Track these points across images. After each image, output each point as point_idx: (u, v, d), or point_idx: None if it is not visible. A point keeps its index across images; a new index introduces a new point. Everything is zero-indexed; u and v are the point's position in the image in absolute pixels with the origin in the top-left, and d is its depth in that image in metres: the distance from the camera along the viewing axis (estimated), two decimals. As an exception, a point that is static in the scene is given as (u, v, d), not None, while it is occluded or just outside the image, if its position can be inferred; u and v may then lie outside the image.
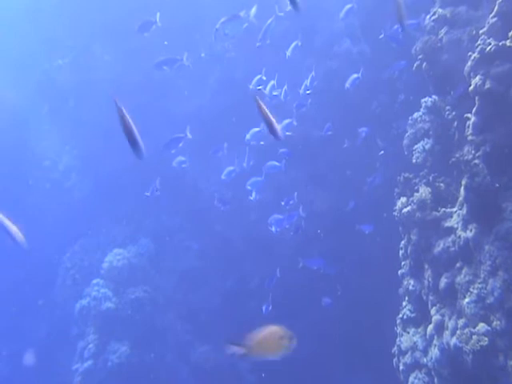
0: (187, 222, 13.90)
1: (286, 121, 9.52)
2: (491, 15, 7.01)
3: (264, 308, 9.47)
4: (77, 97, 14.23)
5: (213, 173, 13.26)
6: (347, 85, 9.03)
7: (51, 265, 14.66)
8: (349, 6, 8.82)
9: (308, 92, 9.26)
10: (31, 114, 14.44)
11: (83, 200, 14.49)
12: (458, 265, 7.65)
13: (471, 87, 7.04)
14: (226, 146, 10.11)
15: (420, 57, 8.17)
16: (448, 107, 8.73)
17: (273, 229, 8.97)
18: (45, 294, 14.49)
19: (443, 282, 7.81)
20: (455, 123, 8.52)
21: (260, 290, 12.81)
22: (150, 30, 8.60)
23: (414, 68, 8.42)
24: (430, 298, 8.26)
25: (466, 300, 7.40)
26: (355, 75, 8.96)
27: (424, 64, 8.15)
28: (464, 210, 7.50)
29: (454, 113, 8.60)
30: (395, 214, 8.77)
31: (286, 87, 9.45)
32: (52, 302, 14.55)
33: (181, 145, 8.49)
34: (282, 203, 9.47)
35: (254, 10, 7.42)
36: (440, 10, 7.88)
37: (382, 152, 10.46)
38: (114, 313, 13.31)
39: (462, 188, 7.36)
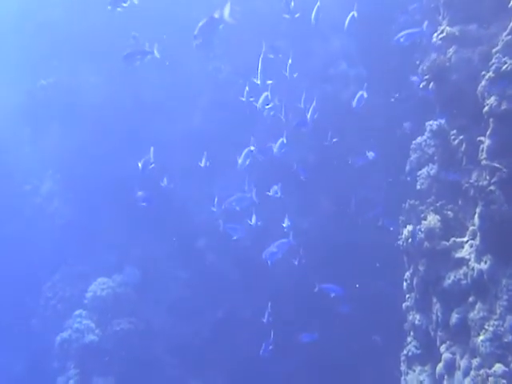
0: (176, 249, 13.24)
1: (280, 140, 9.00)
2: (505, 33, 6.62)
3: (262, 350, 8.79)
4: (61, 119, 13.63)
5: (203, 197, 12.70)
6: (354, 104, 8.54)
7: (31, 294, 13.87)
8: (353, 13, 8.35)
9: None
10: (11, 136, 13.78)
11: (66, 226, 13.82)
12: (470, 299, 7.12)
13: (485, 108, 6.60)
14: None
15: (427, 76, 7.74)
16: (454, 131, 8.30)
17: (269, 263, 8.37)
18: (24, 325, 13.68)
19: (454, 317, 7.26)
20: (463, 147, 8.06)
21: (253, 321, 12.26)
22: (120, 5, 8.01)
23: (420, 87, 7.96)
24: (439, 334, 7.70)
25: (481, 338, 6.84)
26: (361, 92, 8.46)
27: (431, 84, 7.71)
28: (477, 240, 6.99)
29: (461, 136, 8.16)
30: (400, 243, 8.25)
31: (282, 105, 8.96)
32: (31, 334, 13.71)
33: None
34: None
35: (227, 9, 6.94)
36: (448, 28, 7.50)
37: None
38: (97, 346, 12.63)
39: (476, 216, 6.85)
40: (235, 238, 8.10)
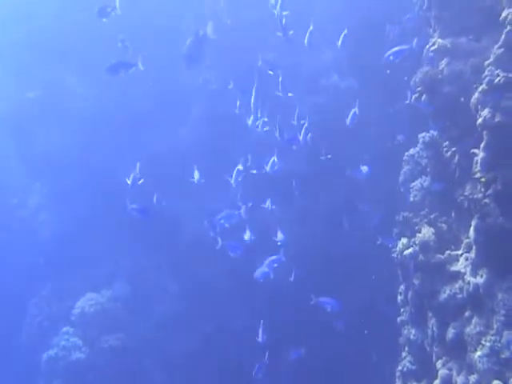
0: (165, 261, 13.04)
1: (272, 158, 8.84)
2: (497, 46, 6.58)
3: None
4: (48, 131, 13.40)
5: (193, 208, 12.55)
6: (347, 122, 8.42)
7: (16, 311, 13.47)
8: (345, 32, 8.28)
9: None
10: (-3, 149, 13.57)
11: (53, 240, 13.52)
12: (467, 314, 7.00)
13: (479, 120, 6.54)
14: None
15: (419, 89, 7.67)
16: (447, 142, 8.24)
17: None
18: (9, 343, 13.29)
19: (451, 332, 7.14)
20: (456, 159, 8.00)
21: (244, 334, 12.06)
22: (108, 16, 7.88)
23: (412, 100, 7.90)
24: (435, 349, 7.58)
25: (478, 353, 6.71)
26: (353, 110, 8.36)
27: (423, 96, 7.65)
28: (473, 254, 6.90)
29: (453, 148, 8.10)
30: (395, 255, 8.13)
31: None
32: (16, 351, 13.34)
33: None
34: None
35: (210, 26, 6.93)
36: (440, 41, 7.45)
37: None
38: (84, 364, 12.35)
39: (472, 229, 6.76)
40: (233, 255, 7.91)
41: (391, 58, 7.65)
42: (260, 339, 8.24)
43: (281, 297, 11.66)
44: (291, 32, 8.07)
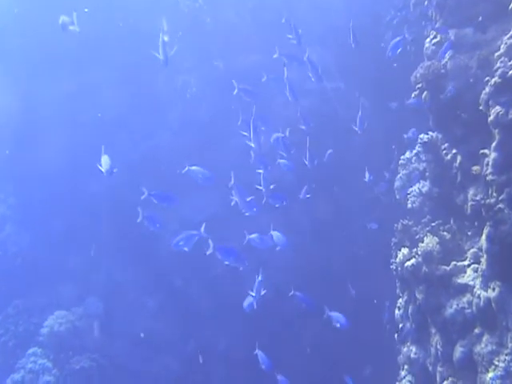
0: (142, 275, 12.17)
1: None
2: (508, 35, 6.01)
3: None
4: (14, 138, 12.51)
5: (170, 219, 11.77)
6: (356, 129, 7.79)
7: (-21, 330, 12.44)
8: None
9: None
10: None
11: (19, 254, 12.61)
12: (476, 331, 6.37)
13: (490, 118, 5.95)
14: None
15: (420, 85, 7.08)
16: (447, 144, 7.66)
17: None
18: (-31, 366, 12.25)
19: (458, 350, 6.49)
20: (457, 162, 7.42)
21: (227, 354, 11.29)
22: (67, 30, 7.19)
23: (411, 98, 7.30)
24: (439, 369, 6.93)
25: (490, 375, 6.09)
26: (359, 114, 7.74)
27: (425, 93, 7.05)
28: (483, 265, 6.28)
29: (454, 150, 7.52)
30: (394, 267, 7.49)
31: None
32: (-22, 375, 12.31)
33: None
34: None
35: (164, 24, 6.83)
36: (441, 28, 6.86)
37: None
38: (53, 388, 11.40)
39: (484, 238, 6.14)
40: (227, 263, 7.14)
41: (390, 54, 7.06)
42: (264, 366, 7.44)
43: (264, 312, 10.96)
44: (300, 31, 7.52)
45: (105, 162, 6.41)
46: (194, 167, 7.14)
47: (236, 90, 7.70)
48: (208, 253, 6.73)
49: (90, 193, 11.94)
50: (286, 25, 8.21)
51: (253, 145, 7.15)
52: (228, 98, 11.23)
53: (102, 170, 6.43)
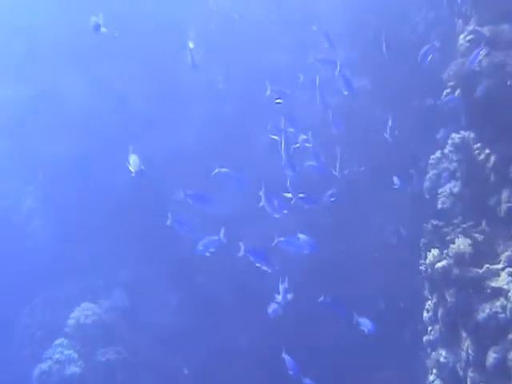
0: (166, 272, 12.25)
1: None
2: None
3: None
4: (42, 131, 12.64)
5: (193, 214, 11.81)
6: (387, 136, 7.65)
7: (7, 321, 12.70)
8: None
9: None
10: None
11: (47, 247, 12.73)
12: (510, 336, 6.22)
13: (530, 118, 5.78)
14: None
15: (452, 83, 6.92)
16: (479, 144, 7.49)
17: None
18: (-2, 354, 12.50)
19: (491, 356, 6.36)
20: (490, 162, 7.25)
21: (249, 350, 11.30)
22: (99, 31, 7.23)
23: (443, 96, 7.15)
24: (470, 374, 6.80)
25: (524, 381, 5.95)
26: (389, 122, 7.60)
27: (457, 91, 6.89)
28: (520, 269, 6.13)
29: (487, 150, 7.35)
30: (423, 268, 7.37)
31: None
32: (6, 365, 12.52)
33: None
34: None
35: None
36: (477, 29, 6.68)
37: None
38: (79, 379, 11.56)
39: (520, 241, 5.98)
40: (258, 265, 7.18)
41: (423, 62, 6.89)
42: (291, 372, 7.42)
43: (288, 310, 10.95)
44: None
45: (134, 161, 6.35)
46: (224, 169, 7.07)
47: (268, 91, 7.61)
48: (240, 255, 6.72)
49: (116, 187, 12.02)
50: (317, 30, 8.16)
51: (283, 155, 7.05)
52: (255, 95, 11.36)
53: (132, 169, 6.39)
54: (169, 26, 12.28)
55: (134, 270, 12.60)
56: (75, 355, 11.82)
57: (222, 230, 7.08)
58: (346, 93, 7.29)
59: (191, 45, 6.71)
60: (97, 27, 7.06)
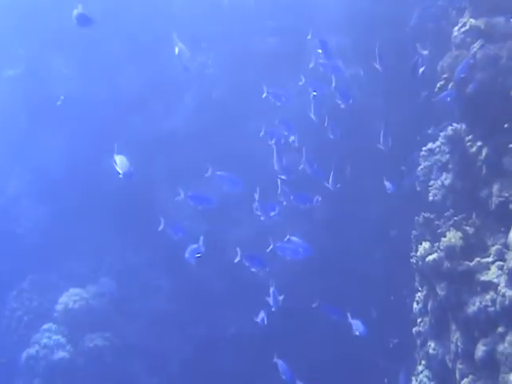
0: (156, 258, 12.20)
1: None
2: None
3: None
4: (30, 113, 12.41)
5: (185, 202, 11.69)
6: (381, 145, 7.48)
7: (-6, 304, 12.60)
8: None
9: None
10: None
11: (34, 230, 12.62)
12: (500, 329, 6.27)
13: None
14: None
15: (446, 75, 6.86)
16: (471, 136, 7.45)
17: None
18: (-17, 339, 12.42)
19: (480, 349, 6.41)
20: (482, 155, 7.23)
21: (238, 338, 11.32)
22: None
23: (436, 89, 7.09)
24: (459, 366, 6.85)
25: (513, 376, 6.01)
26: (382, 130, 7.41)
27: (451, 84, 6.84)
28: (510, 263, 6.14)
29: (479, 143, 7.32)
30: (414, 260, 7.39)
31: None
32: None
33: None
34: None
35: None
36: (472, 21, 6.64)
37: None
38: (67, 364, 11.59)
39: (511, 235, 5.99)
40: (254, 270, 7.17)
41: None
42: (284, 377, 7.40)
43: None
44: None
45: (121, 162, 5.99)
46: (219, 172, 7.00)
47: (265, 94, 7.48)
48: (236, 260, 6.74)
49: (104, 172, 11.84)
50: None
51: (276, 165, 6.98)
52: (245, 79, 11.19)
53: (119, 171, 6.06)
54: (158, 11, 12.05)
55: (123, 256, 12.51)
56: (63, 340, 11.80)
57: (201, 238, 7.09)
58: (342, 106, 7.17)
59: (177, 50, 6.46)
60: (83, 19, 6.67)
